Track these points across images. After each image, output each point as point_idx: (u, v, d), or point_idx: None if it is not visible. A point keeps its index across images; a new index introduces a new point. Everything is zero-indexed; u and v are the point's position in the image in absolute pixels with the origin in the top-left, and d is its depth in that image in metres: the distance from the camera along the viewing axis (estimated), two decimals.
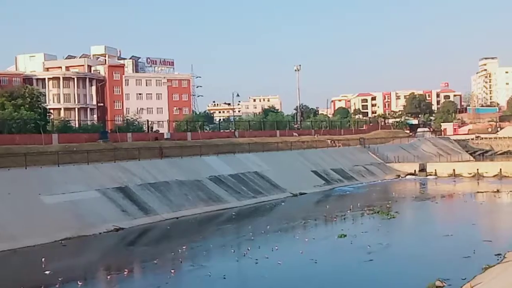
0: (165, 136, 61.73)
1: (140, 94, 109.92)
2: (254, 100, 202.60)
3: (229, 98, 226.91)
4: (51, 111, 78.04)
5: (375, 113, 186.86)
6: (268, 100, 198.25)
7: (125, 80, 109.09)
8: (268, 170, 53.25)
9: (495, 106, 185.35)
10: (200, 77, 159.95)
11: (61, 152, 43.08)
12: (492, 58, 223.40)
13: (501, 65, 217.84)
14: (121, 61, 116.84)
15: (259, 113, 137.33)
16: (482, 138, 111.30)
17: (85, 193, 36.10)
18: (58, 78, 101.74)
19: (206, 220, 38.08)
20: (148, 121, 70.16)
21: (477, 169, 63.25)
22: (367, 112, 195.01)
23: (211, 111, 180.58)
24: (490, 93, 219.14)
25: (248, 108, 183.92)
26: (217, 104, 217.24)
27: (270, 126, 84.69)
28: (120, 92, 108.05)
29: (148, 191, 39.81)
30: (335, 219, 37.07)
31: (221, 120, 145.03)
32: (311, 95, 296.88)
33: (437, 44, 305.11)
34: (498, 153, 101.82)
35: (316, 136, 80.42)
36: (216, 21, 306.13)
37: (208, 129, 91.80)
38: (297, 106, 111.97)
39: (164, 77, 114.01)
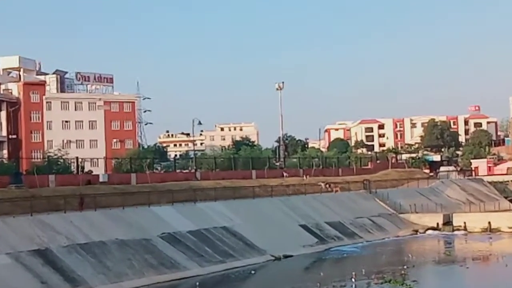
0: (101, 179, 61.33)
1: (67, 121, 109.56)
2: (222, 129, 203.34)
3: (188, 126, 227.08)
4: None
5: (384, 146, 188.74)
6: (241, 129, 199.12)
7: (47, 102, 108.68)
8: (240, 224, 53.07)
9: None
10: (149, 98, 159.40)
11: None
12: None
13: None
14: (42, 77, 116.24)
15: (229, 146, 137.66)
16: None
17: None
18: None
19: None
20: (77, 158, 69.71)
21: None
22: (373, 145, 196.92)
23: (164, 144, 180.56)
24: None
25: (213, 139, 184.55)
26: (172, 135, 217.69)
27: (243, 165, 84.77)
28: (39, 119, 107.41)
29: (77, 254, 39.28)
30: None
31: (178, 156, 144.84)
32: (299, 122, 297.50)
33: (465, 58, 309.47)
34: None
35: (305, 177, 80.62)
36: (175, 24, 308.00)
37: (159, 168, 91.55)
38: (279, 137, 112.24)
39: (100, 99, 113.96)
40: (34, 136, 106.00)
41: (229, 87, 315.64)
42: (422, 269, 45.81)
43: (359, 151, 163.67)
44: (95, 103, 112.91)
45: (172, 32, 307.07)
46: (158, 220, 48.21)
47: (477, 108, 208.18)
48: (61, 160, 69.59)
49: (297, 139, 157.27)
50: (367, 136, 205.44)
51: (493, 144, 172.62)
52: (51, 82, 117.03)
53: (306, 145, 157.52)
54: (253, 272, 44.40)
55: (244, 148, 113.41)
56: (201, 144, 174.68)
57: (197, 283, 40.30)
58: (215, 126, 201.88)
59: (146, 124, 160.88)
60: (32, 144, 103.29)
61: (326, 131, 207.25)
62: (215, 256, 46.47)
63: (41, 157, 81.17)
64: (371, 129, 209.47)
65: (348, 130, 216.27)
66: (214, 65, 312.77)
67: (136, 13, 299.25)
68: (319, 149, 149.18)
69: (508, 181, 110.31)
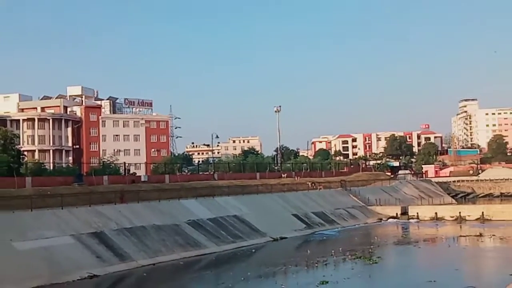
0: (142, 179, 61.36)
1: (117, 135, 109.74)
2: (234, 142, 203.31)
3: (208, 139, 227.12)
4: (25, 153, 77.44)
5: (356, 154, 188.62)
6: (248, 142, 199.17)
7: (102, 121, 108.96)
8: (248, 213, 53.01)
9: (475, 148, 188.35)
10: (179, 118, 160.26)
11: (35, 196, 42.48)
12: (472, 100, 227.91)
13: (481, 107, 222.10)
14: (98, 102, 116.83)
15: (239, 154, 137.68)
16: (464, 180, 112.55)
17: (58, 238, 35.45)
18: (33, 119, 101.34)
19: (184, 266, 37.52)
20: (125, 163, 69.75)
21: (459, 212, 63.55)
22: (348, 154, 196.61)
23: (190, 153, 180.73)
24: (471, 135, 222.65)
25: (227, 149, 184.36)
26: (196, 146, 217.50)
27: (250, 168, 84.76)
28: (96, 134, 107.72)
29: (124, 236, 39.27)
30: (316, 265, 36.84)
31: (200, 161, 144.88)
32: (292, 136, 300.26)
33: (417, 86, 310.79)
34: (480, 195, 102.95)
35: (297, 178, 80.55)
36: (198, 64, 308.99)
37: (186, 171, 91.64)
38: (277, 148, 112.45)
39: (142, 118, 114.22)
40: (92, 146, 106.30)
41: (239, 110, 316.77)
42: (385, 248, 45.58)
43: (337, 158, 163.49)
44: (139, 122, 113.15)
45: (196, 68, 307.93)
46: (185, 210, 48.16)
47: (427, 126, 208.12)
48: (113, 165, 69.59)
49: (290, 149, 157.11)
50: (343, 147, 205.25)
51: (439, 154, 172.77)
52: (106, 105, 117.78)
53: (297, 154, 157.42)
54: (253, 251, 44.22)
55: (250, 156, 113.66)
56: (218, 152, 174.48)
57: (214, 258, 40.38)
58: (229, 139, 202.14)
59: (176, 138, 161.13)
60: (90, 152, 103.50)
61: (312, 143, 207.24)
62: (228, 237, 46.38)
63: (98, 162, 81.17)
64: (346, 142, 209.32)
65: (329, 142, 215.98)
66: (229, 93, 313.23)
67: (166, 53, 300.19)
68: (307, 156, 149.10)
69: (450, 181, 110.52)
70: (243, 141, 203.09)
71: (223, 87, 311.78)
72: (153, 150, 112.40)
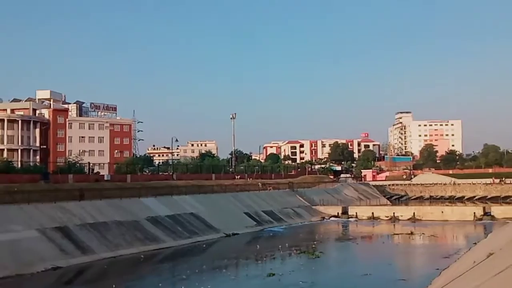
0: (106, 178, 60.33)
1: (82, 137, 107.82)
2: (192, 145, 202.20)
3: (168, 142, 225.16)
4: None
5: (303, 159, 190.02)
6: (205, 145, 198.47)
7: (69, 123, 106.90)
8: (203, 211, 52.77)
9: (409, 155, 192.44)
10: (141, 122, 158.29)
11: (2, 192, 41.23)
12: (407, 112, 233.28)
13: (414, 119, 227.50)
14: (66, 106, 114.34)
15: (197, 157, 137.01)
16: (398, 184, 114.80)
17: (24, 232, 34.52)
18: (2, 120, 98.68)
19: (143, 259, 37.05)
20: (89, 163, 68.49)
21: (393, 213, 64.83)
22: (296, 158, 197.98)
23: (151, 154, 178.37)
24: (405, 144, 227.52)
25: (186, 152, 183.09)
26: (157, 148, 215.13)
27: (206, 170, 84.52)
28: (63, 135, 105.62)
29: (86, 231, 38.53)
30: (265, 259, 36.97)
31: (160, 163, 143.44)
32: (246, 141, 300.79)
33: (359, 98, 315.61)
34: (412, 198, 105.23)
35: (249, 179, 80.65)
36: (160, 71, 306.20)
37: (147, 171, 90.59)
38: (232, 151, 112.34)
39: (107, 122, 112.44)
40: (59, 147, 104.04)
41: (197, 115, 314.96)
42: (327, 244, 46.12)
43: (286, 162, 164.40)
44: (103, 125, 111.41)
45: (159, 74, 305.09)
46: (145, 208, 47.59)
47: (366, 134, 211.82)
48: (78, 164, 68.22)
49: (244, 152, 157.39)
50: (292, 152, 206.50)
51: (376, 160, 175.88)
52: (73, 109, 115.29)
53: (250, 157, 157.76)
54: (207, 245, 43.94)
55: (207, 158, 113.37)
56: (177, 155, 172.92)
57: (171, 252, 40.04)
58: (188, 142, 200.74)
59: (139, 140, 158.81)
60: (57, 153, 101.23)
61: (264, 147, 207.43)
62: (184, 233, 46.07)
63: (63, 161, 79.40)
64: (295, 147, 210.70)
65: (279, 147, 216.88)
66: (189, 99, 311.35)
67: (134, 58, 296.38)
68: (259, 160, 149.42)
69: (386, 185, 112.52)
70: (201, 145, 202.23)
71: (183, 94, 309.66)
72: (116, 151, 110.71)
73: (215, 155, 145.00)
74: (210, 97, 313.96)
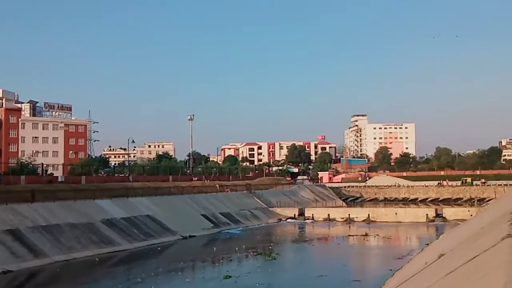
0: (59, 179, 59.01)
1: (36, 137, 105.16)
2: (149, 146, 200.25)
3: (125, 143, 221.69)
4: None
5: (261, 161, 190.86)
6: (163, 146, 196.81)
7: (22, 123, 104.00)
8: (160, 213, 52.21)
9: (364, 158, 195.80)
10: (97, 122, 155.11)
11: None
12: (362, 115, 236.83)
13: (370, 121, 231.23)
14: (19, 105, 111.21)
15: (154, 158, 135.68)
16: (353, 186, 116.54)
17: None
18: None
19: (98, 262, 36.36)
20: (42, 164, 66.73)
21: (349, 214, 65.69)
22: (254, 160, 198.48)
23: (107, 156, 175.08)
24: (361, 146, 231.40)
25: (143, 153, 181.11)
26: (113, 149, 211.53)
27: (163, 171, 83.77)
28: (15, 135, 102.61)
29: (39, 233, 37.51)
30: (221, 261, 36.87)
31: (116, 164, 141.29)
32: (203, 143, 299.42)
33: (316, 101, 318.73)
34: (367, 200, 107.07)
35: (206, 181, 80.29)
36: (116, 71, 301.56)
37: (103, 173, 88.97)
38: (189, 153, 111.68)
39: (62, 122, 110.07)
40: (11, 147, 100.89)
41: (155, 116, 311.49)
42: (283, 246, 46.27)
43: (244, 164, 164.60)
44: (58, 125, 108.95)
45: (115, 75, 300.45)
46: (100, 210, 46.72)
47: (323, 137, 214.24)
48: (31, 165, 66.44)
49: (202, 154, 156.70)
50: (250, 154, 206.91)
51: (333, 162, 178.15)
52: (26, 109, 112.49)
53: (208, 159, 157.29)
54: (163, 248, 43.51)
55: (164, 160, 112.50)
56: (134, 156, 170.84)
57: (127, 255, 39.44)
58: (144, 143, 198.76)
59: (94, 141, 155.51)
60: (9, 153, 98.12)
61: (222, 149, 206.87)
62: (140, 235, 45.47)
63: (16, 162, 77.19)
64: (253, 149, 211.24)
65: (237, 149, 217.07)
66: (145, 99, 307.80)
67: (87, 59, 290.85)
68: (217, 162, 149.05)
69: (342, 187, 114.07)
70: (158, 146, 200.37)
71: (141, 94, 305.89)
72: (71, 152, 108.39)
73: (173, 156, 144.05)
74: (168, 97, 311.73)
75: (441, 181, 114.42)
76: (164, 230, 49.12)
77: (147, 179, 72.10)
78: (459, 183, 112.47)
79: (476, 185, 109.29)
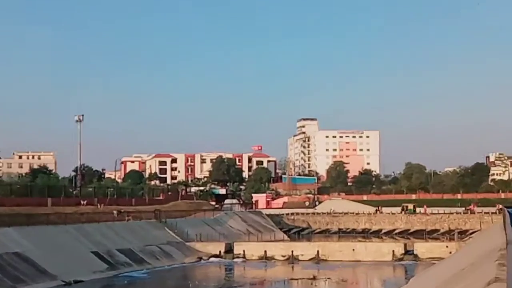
0: None
1: None
2: (20, 157, 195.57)
3: None
4: None
5: (176, 178, 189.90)
6: (39, 158, 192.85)
7: None
8: (33, 250, 50.83)
9: (313, 176, 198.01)
10: None
11: None
12: (311, 119, 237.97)
13: (321, 128, 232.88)
14: None
15: (26, 174, 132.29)
16: (299, 213, 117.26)
17: None
18: None
19: None
20: None
21: (292, 251, 66.15)
22: (166, 178, 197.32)
23: None
24: (309, 160, 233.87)
25: (11, 167, 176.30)
26: None
27: (39, 192, 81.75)
28: None
29: None
30: None
31: None
32: (97, 153, 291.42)
33: (250, 102, 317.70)
34: (316, 231, 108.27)
35: (99, 206, 78.94)
36: None
37: None
38: (77, 167, 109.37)
39: None
40: None
41: (28, 117, 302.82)
42: None
43: (152, 182, 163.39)
44: None
45: None
46: None
47: (259, 147, 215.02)
48: None
49: (94, 169, 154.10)
50: (160, 169, 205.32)
51: (272, 181, 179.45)
52: None
53: (102, 175, 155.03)
54: None
55: (41, 176, 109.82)
56: None
57: None
58: (13, 153, 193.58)
59: None
60: None
61: (122, 162, 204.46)
62: (5, 281, 44.02)
63: None
64: (164, 163, 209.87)
65: (143, 162, 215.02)
66: (16, 93, 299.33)
67: None
68: (115, 179, 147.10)
69: (283, 214, 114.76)
70: (33, 157, 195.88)
71: (11, 85, 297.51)
72: None
73: (53, 171, 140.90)
74: (47, 94, 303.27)
75: (405, 206, 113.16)
76: (40, 273, 47.91)
77: (16, 202, 69.97)
78: (399, 209, 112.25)
79: (421, 213, 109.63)
